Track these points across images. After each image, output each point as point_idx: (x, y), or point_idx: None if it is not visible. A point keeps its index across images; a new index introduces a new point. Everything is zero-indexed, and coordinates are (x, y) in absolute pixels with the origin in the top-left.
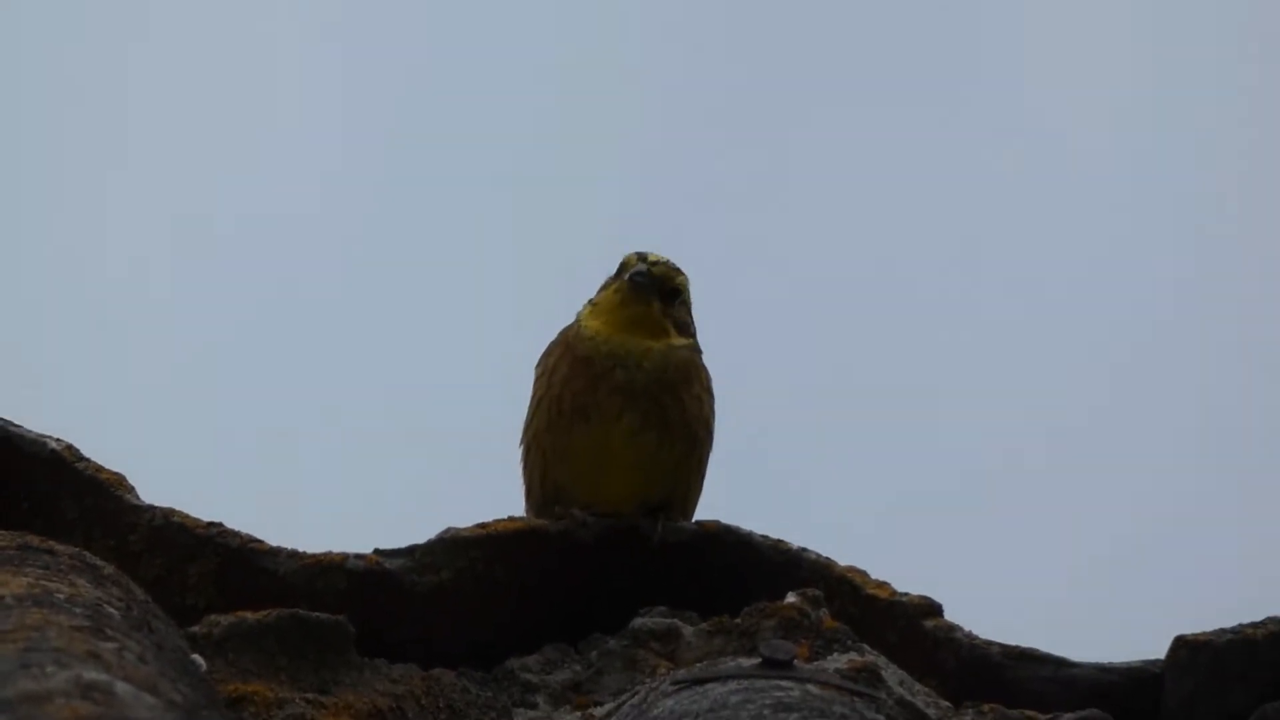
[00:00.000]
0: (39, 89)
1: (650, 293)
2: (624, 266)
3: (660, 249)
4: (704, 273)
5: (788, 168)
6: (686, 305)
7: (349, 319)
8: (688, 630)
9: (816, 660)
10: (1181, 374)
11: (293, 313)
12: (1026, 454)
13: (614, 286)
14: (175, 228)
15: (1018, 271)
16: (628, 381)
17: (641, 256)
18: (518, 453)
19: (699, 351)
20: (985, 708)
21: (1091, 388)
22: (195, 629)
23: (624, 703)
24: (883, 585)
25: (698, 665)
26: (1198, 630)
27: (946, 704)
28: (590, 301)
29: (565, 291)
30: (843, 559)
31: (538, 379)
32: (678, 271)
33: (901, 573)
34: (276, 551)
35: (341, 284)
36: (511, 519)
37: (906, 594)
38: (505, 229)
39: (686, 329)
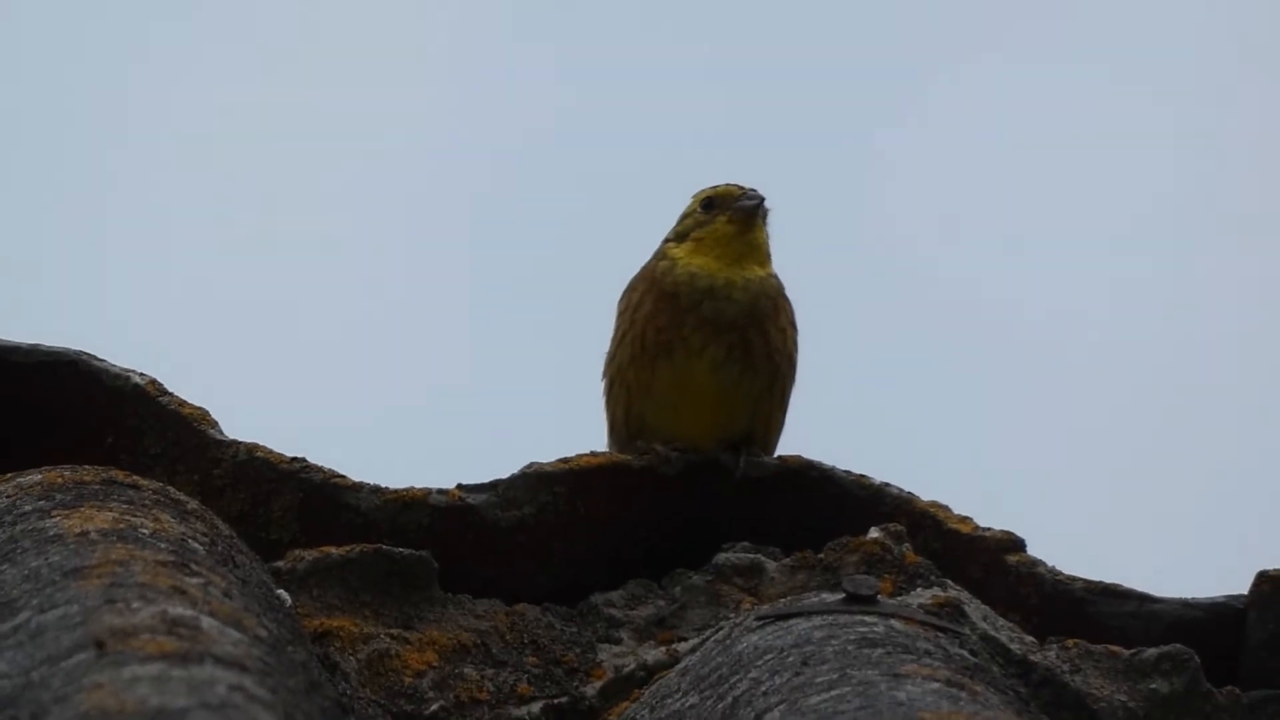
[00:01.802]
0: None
1: (762, 218)
2: (724, 197)
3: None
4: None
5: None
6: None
7: (429, 254)
8: (771, 565)
9: (900, 595)
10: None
11: (364, 244)
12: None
13: (724, 218)
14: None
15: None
16: (715, 315)
17: (736, 186)
18: (600, 388)
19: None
20: (1069, 643)
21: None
22: (279, 564)
23: (708, 638)
24: (965, 520)
25: (781, 601)
26: None
27: (1031, 639)
28: (676, 236)
29: (644, 227)
30: (925, 495)
31: (620, 314)
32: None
33: (983, 509)
34: (359, 487)
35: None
36: (594, 454)
37: (989, 529)
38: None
39: (771, 259)
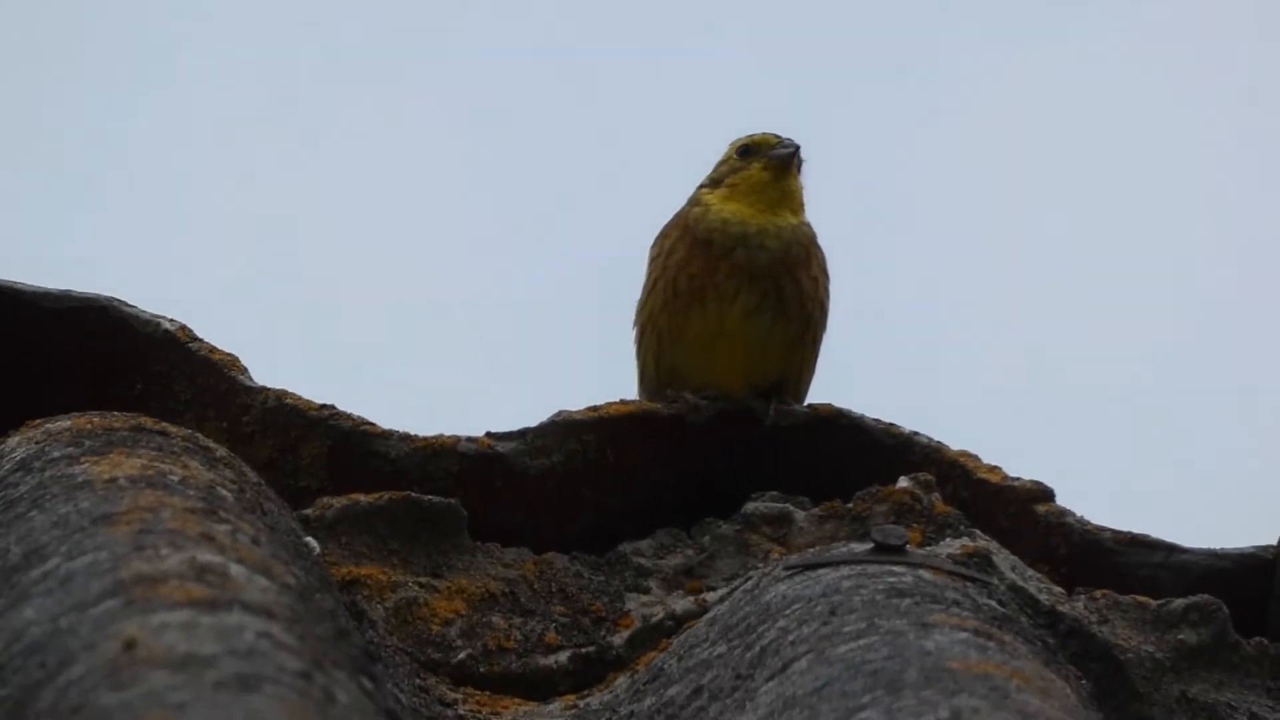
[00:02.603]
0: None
1: (797, 167)
2: (760, 145)
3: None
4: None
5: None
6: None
7: (461, 207)
8: (799, 515)
9: (928, 545)
10: None
11: (416, 189)
12: (1137, 344)
13: (759, 164)
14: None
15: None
16: (748, 261)
17: (773, 134)
18: (631, 335)
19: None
20: (1097, 594)
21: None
22: (308, 511)
23: (736, 588)
24: (994, 470)
25: (810, 550)
26: None
27: (1059, 590)
28: (711, 182)
29: (675, 175)
30: (955, 444)
31: (652, 261)
32: None
33: (1013, 459)
34: (388, 434)
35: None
36: (624, 402)
37: (1018, 478)
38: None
39: (804, 208)
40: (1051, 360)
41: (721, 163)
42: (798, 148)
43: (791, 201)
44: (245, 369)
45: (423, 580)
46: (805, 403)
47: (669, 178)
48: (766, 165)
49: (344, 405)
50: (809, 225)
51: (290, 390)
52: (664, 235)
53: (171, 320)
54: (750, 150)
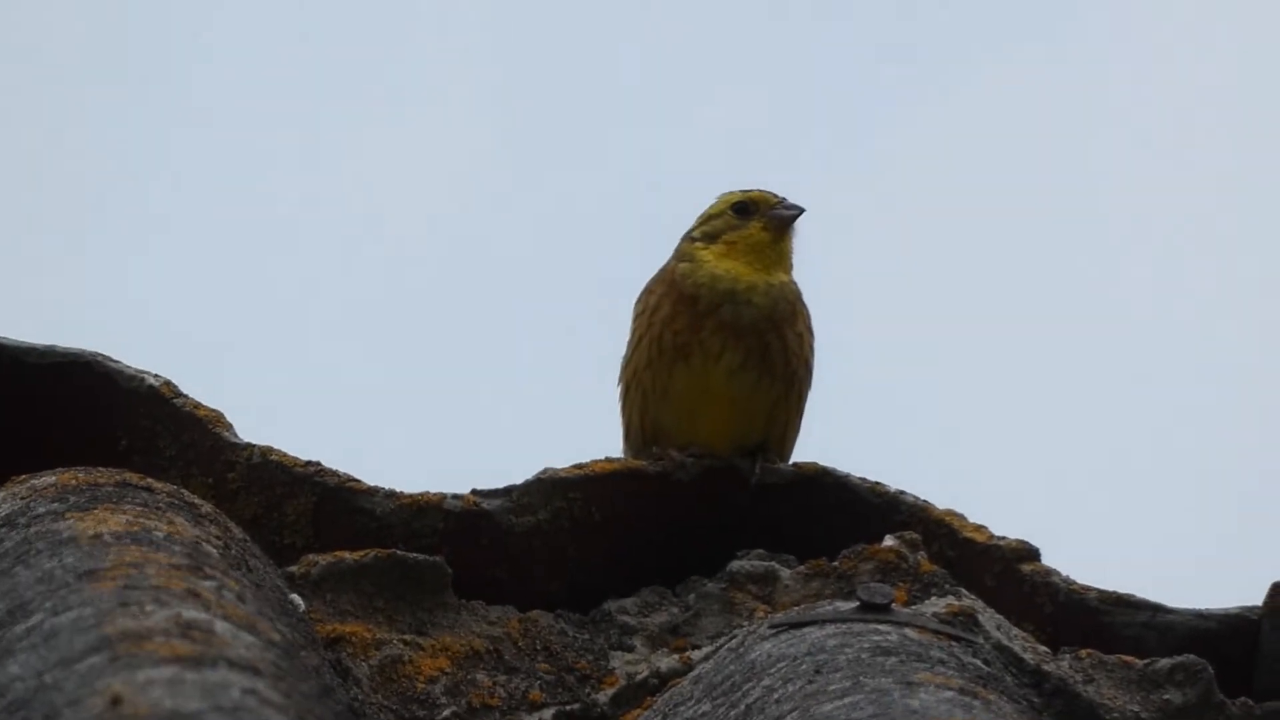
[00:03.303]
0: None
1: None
2: (758, 203)
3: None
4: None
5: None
6: None
7: (434, 259)
8: (785, 573)
9: (914, 604)
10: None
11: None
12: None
13: (759, 224)
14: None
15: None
16: (734, 318)
17: (771, 193)
18: (616, 392)
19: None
20: (1083, 653)
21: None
22: (293, 568)
23: (721, 646)
24: (980, 529)
25: (795, 609)
26: None
27: (1044, 649)
28: (704, 236)
29: (652, 216)
30: (941, 502)
31: (637, 317)
32: None
33: (998, 518)
34: (374, 491)
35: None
36: (609, 459)
37: (1004, 537)
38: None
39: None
40: (1037, 417)
41: (714, 216)
42: (802, 211)
43: (785, 261)
44: (230, 425)
45: (407, 638)
46: (791, 461)
47: (654, 230)
48: (766, 225)
49: (329, 461)
50: (795, 283)
51: (275, 446)
52: (649, 291)
53: (156, 376)
54: (748, 209)
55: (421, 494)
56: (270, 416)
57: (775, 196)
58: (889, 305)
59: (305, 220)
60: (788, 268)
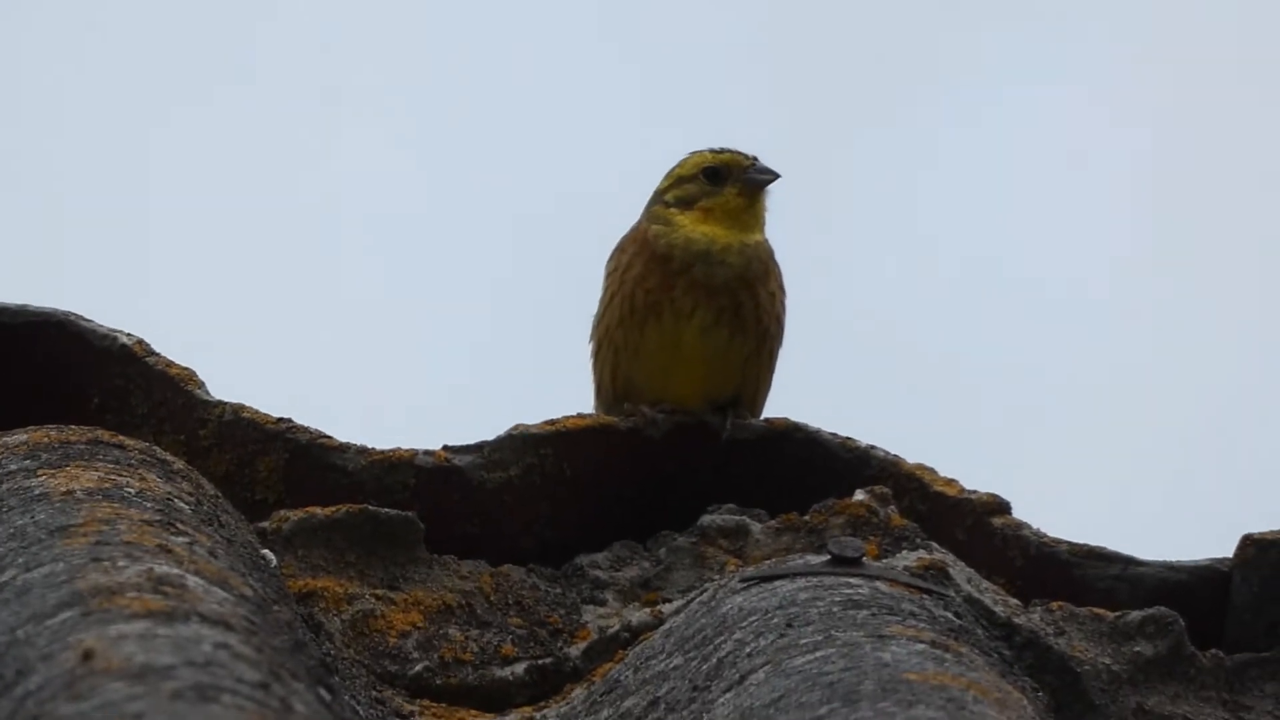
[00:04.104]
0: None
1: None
2: (730, 166)
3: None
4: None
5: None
6: None
7: (426, 219)
8: (756, 527)
9: (885, 558)
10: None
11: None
12: (1092, 353)
13: (733, 189)
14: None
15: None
16: (706, 277)
17: (742, 154)
18: (588, 349)
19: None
20: (1053, 605)
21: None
22: (265, 524)
23: (692, 600)
24: (951, 482)
25: (766, 563)
26: (1266, 529)
27: (1015, 602)
28: (677, 201)
29: (635, 183)
30: (911, 457)
31: (609, 275)
32: None
33: (970, 472)
34: (345, 447)
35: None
36: (581, 416)
37: (975, 491)
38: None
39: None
40: (1009, 368)
41: (685, 179)
42: (777, 176)
43: (759, 221)
44: (202, 383)
45: (379, 592)
46: (761, 416)
47: (622, 187)
48: (741, 190)
49: (301, 418)
50: (768, 241)
51: (248, 404)
52: (620, 250)
53: (129, 334)
54: (720, 174)
55: (393, 450)
56: (242, 374)
57: (747, 158)
58: (870, 257)
59: (278, 189)
60: (761, 227)
